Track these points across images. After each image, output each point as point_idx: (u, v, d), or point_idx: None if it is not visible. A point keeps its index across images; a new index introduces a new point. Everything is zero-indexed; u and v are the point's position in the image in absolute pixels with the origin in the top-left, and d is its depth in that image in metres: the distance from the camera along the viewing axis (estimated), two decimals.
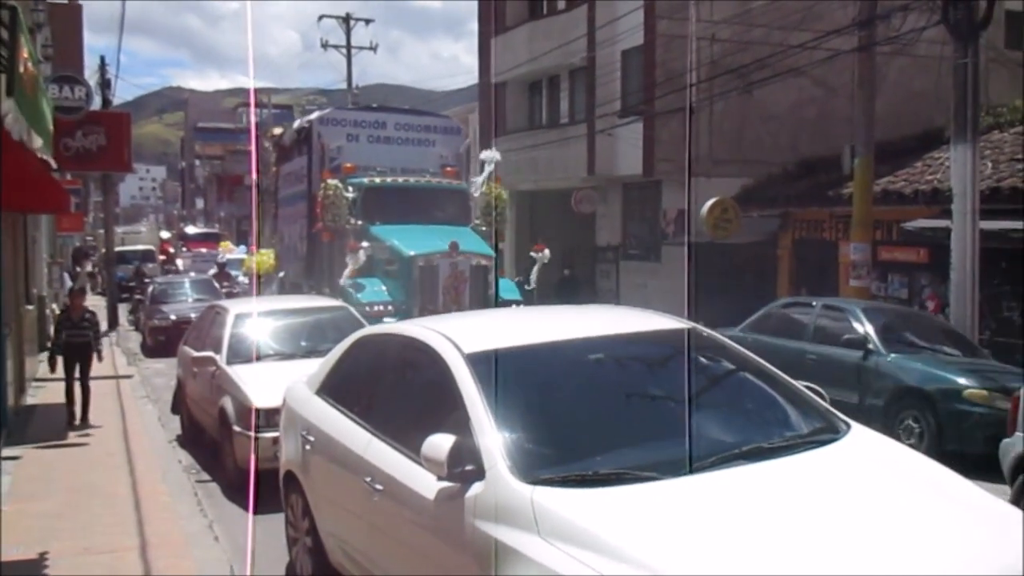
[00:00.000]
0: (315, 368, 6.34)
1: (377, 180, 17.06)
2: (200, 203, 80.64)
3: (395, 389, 5.53)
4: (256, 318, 10.10)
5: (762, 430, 4.62)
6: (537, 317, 6.46)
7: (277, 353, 9.57)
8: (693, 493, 3.83)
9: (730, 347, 5.36)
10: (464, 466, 4.07)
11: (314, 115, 19.32)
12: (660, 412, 4.76)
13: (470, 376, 4.45)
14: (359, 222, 16.50)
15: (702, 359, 5.12)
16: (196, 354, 10.18)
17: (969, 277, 11.84)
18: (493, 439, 4.13)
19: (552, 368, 4.88)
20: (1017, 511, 4.00)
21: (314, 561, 5.86)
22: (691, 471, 3.94)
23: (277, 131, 26.10)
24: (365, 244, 15.67)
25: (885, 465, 4.33)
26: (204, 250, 41.44)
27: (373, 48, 38.47)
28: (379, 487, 4.79)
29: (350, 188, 16.70)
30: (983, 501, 4.07)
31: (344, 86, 37.57)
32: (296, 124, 20.52)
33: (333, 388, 5.96)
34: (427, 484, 4.27)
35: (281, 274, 20.41)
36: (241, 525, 7.25)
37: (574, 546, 3.50)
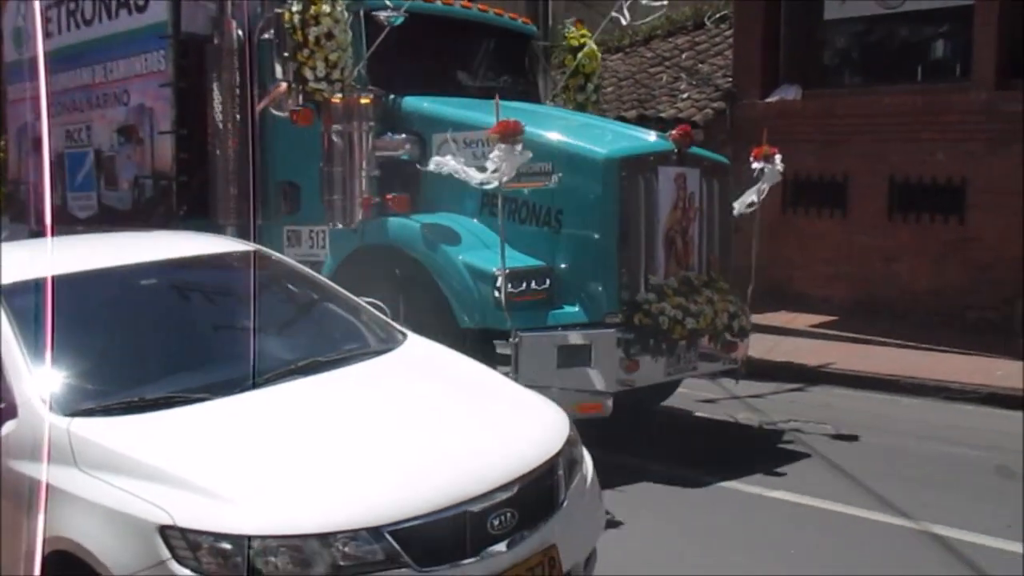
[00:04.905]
0: None
1: (432, 2, 7.95)
2: None
3: None
4: None
5: (322, 346, 4.60)
6: (89, 244, 5.83)
7: None
8: (241, 409, 3.81)
9: (294, 268, 5.24)
10: None
11: None
12: (218, 336, 4.63)
13: (2, 309, 4.03)
14: (377, 91, 7.35)
15: (265, 280, 4.96)
16: None
17: None
18: (25, 374, 3.77)
19: (101, 296, 4.50)
20: (558, 409, 4.31)
21: None
22: (244, 389, 3.92)
23: None
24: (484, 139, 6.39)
25: (431, 369, 4.59)
26: None
27: None
28: None
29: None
30: (522, 397, 4.39)
31: None
32: None
33: None
34: None
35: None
36: None
37: (113, 473, 3.32)
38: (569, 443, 3.94)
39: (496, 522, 3.46)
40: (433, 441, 3.69)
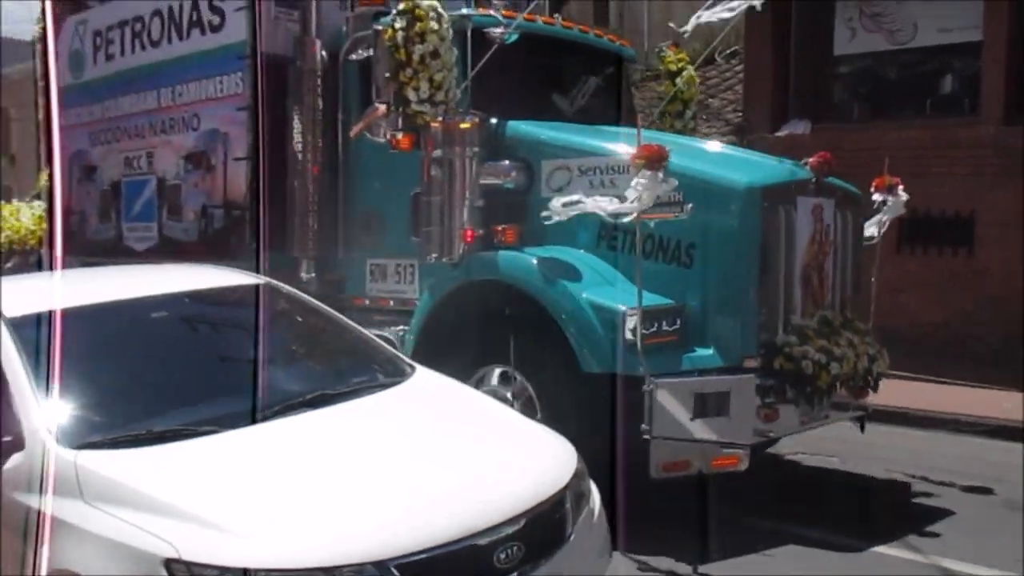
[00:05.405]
0: None
1: (535, 21, 6.78)
2: None
3: None
4: None
5: (331, 378, 4.41)
6: (101, 276, 5.59)
7: None
8: (249, 442, 3.61)
9: (304, 300, 4.99)
10: (1, 438, 3.52)
11: None
12: (229, 368, 4.39)
13: (11, 341, 3.84)
14: (480, 114, 6.21)
15: (274, 313, 4.74)
16: None
17: None
18: (34, 406, 3.61)
19: (111, 329, 4.30)
20: (564, 440, 4.05)
21: None
22: (253, 422, 3.72)
23: None
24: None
25: (440, 402, 4.31)
26: None
27: None
28: None
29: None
30: (530, 430, 4.16)
31: None
32: None
33: None
34: None
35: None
36: None
37: (119, 506, 3.16)
38: (576, 476, 3.76)
39: (503, 555, 3.30)
40: (440, 474, 3.53)
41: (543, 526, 3.48)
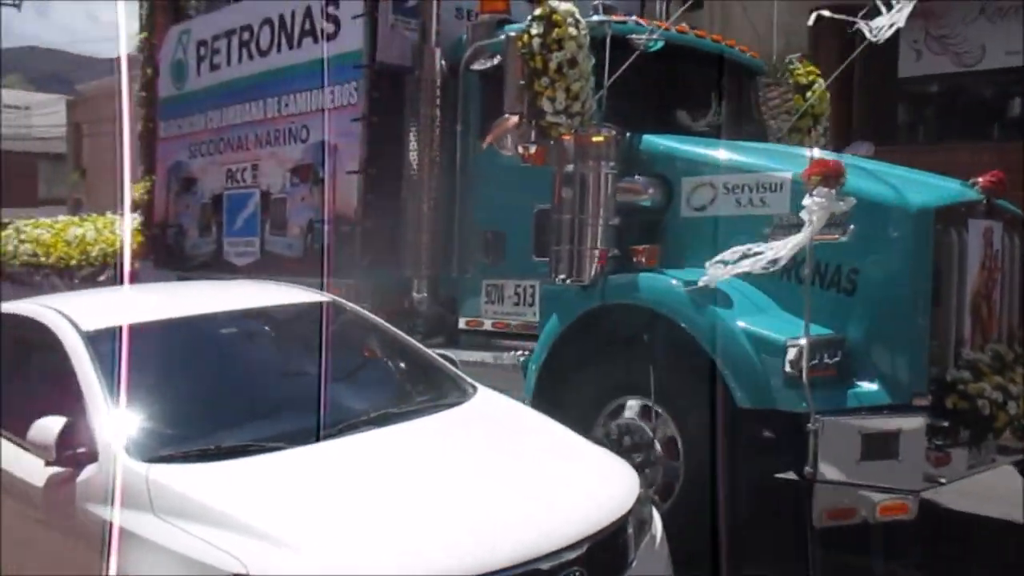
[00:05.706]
0: None
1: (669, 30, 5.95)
2: None
3: (9, 376, 4.33)
4: None
5: (394, 397, 4.34)
6: (171, 292, 5.67)
7: None
8: (315, 459, 3.53)
9: (368, 319, 4.84)
10: (76, 449, 3.42)
11: None
12: (294, 385, 4.28)
13: (87, 355, 3.78)
14: (615, 127, 5.46)
15: (340, 331, 4.59)
16: None
17: None
18: (108, 419, 3.54)
19: (181, 344, 4.24)
20: (627, 465, 3.86)
21: None
22: (319, 439, 3.62)
23: None
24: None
25: (503, 423, 4.15)
26: None
27: (16, 4, 27.82)
28: None
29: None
30: (593, 454, 3.95)
31: None
32: None
33: None
34: (37, 471, 3.54)
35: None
36: None
37: (189, 520, 3.06)
38: (639, 502, 3.58)
39: None
40: (503, 497, 3.39)
41: (605, 552, 3.33)
